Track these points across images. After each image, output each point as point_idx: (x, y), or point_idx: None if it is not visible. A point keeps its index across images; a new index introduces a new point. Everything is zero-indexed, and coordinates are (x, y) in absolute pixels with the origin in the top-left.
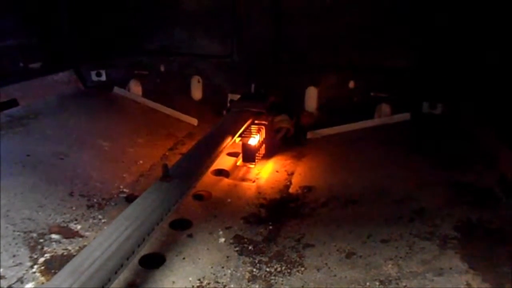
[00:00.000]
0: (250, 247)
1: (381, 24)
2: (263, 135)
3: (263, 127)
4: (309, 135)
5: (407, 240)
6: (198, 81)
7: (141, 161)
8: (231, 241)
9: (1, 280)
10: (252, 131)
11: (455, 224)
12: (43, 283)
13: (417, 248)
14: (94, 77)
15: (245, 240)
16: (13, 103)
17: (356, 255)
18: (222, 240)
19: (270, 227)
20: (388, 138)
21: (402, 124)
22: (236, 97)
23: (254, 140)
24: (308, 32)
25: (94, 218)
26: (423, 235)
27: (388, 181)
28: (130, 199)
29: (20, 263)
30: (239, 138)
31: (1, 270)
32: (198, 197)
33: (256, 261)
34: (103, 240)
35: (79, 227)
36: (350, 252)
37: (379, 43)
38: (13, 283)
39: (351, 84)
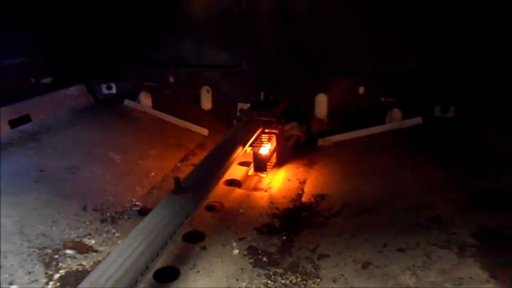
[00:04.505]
0: (264, 259)
1: (388, 27)
2: (274, 144)
3: (273, 135)
4: (320, 142)
5: (424, 249)
6: (208, 91)
7: (152, 173)
8: (245, 252)
9: None
10: (262, 140)
11: (473, 231)
12: None
13: (435, 257)
14: (105, 90)
15: (259, 251)
16: (26, 119)
17: (373, 265)
18: (236, 251)
19: (284, 238)
20: (400, 143)
21: (414, 128)
22: (246, 106)
23: (265, 150)
24: (316, 39)
25: (107, 232)
26: (440, 243)
27: (402, 188)
28: (143, 212)
29: (36, 280)
30: (250, 148)
31: (17, 287)
32: (210, 208)
33: (271, 273)
34: (118, 256)
35: (93, 241)
36: (366, 262)
37: (387, 47)
38: None
39: (361, 90)
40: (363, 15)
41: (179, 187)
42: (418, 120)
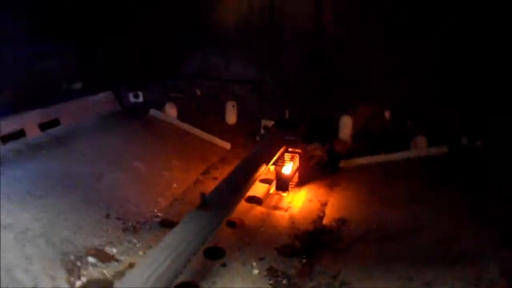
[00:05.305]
0: (284, 281)
1: (419, 54)
2: (297, 163)
3: (297, 155)
4: (342, 163)
5: (451, 286)
6: (233, 106)
7: (175, 185)
8: (264, 273)
9: None
10: (285, 159)
11: (502, 268)
12: None
13: None
14: (132, 99)
15: (279, 273)
16: (55, 123)
17: None
18: (256, 272)
19: (304, 261)
20: (424, 171)
21: (440, 157)
22: (270, 123)
23: (288, 169)
24: (346, 61)
25: (129, 242)
26: (468, 280)
27: (427, 218)
28: (164, 223)
29: (58, 286)
30: (273, 166)
31: None
32: (230, 224)
33: None
34: (143, 270)
35: (114, 250)
36: None
37: (417, 75)
38: None
39: (387, 115)
40: (394, 41)
41: (204, 203)
42: (444, 149)
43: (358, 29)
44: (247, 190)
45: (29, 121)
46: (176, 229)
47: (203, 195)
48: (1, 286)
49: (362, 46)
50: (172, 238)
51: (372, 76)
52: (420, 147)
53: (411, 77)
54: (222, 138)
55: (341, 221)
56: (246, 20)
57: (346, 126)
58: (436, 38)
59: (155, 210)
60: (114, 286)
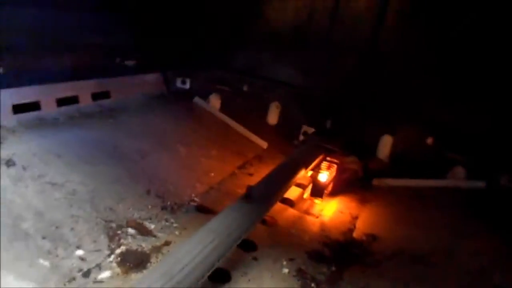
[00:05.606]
0: (312, 285)
1: (468, 85)
2: (333, 173)
3: (334, 165)
4: (375, 182)
5: None
6: (277, 107)
7: (212, 174)
8: (294, 273)
9: (82, 262)
10: (322, 167)
11: None
12: (118, 274)
13: None
14: (179, 84)
15: (308, 276)
16: (106, 94)
17: None
18: (285, 270)
19: (334, 268)
20: (459, 202)
21: (476, 191)
22: (310, 129)
23: (324, 177)
24: (395, 81)
25: (166, 220)
26: None
27: (459, 247)
28: (200, 209)
29: (99, 250)
30: (311, 172)
31: (83, 253)
32: (263, 221)
33: None
34: (191, 248)
35: (152, 226)
36: None
37: (464, 104)
38: (93, 267)
39: (430, 140)
40: (444, 67)
41: (249, 195)
42: (481, 183)
43: (414, 51)
44: (287, 189)
45: (83, 89)
46: (222, 214)
47: (249, 187)
48: (50, 240)
49: (416, 68)
50: (219, 223)
51: (421, 100)
52: (457, 178)
53: (460, 107)
54: (260, 136)
55: (372, 237)
56: (307, 26)
57: (385, 145)
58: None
59: (193, 195)
60: (164, 258)
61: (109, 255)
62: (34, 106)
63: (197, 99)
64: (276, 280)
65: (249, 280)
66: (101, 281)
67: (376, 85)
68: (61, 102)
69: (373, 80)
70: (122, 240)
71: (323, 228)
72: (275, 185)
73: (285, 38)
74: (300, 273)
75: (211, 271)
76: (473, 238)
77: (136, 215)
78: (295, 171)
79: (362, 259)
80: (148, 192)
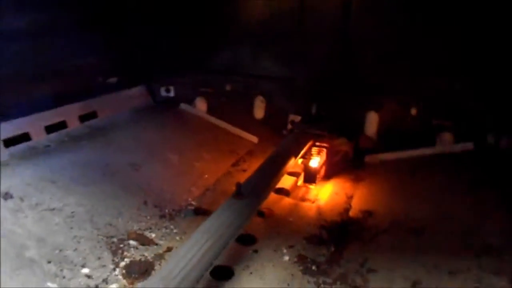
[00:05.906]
0: (313, 267)
1: (444, 49)
2: (324, 157)
3: (324, 149)
4: (367, 159)
5: (475, 274)
6: (261, 101)
7: (206, 176)
8: (295, 259)
9: (89, 280)
10: (313, 153)
11: None
12: (125, 285)
13: (486, 283)
14: (164, 93)
15: (308, 260)
16: (93, 115)
17: (422, 285)
18: (286, 258)
19: (332, 249)
20: (450, 167)
21: (465, 154)
22: (297, 118)
23: (315, 162)
24: (372, 58)
25: (166, 228)
26: (491, 270)
27: (451, 212)
28: (197, 211)
29: (104, 265)
30: (301, 159)
31: (89, 270)
32: (260, 213)
33: (320, 282)
34: (186, 251)
35: (153, 235)
36: (415, 281)
37: (443, 69)
38: (100, 283)
39: (413, 111)
40: (419, 38)
41: (239, 192)
42: (469, 145)
43: (386, 25)
44: (278, 181)
45: (70, 113)
46: (215, 215)
47: (238, 184)
48: (55, 263)
49: (390, 42)
50: (211, 223)
51: (399, 73)
52: (445, 144)
53: (438, 74)
54: (250, 132)
55: (368, 214)
56: (278, 18)
57: (372, 122)
58: (463, 35)
59: (189, 199)
60: (164, 265)
61: (114, 269)
62: (24, 137)
63: (183, 105)
64: (278, 268)
65: (251, 273)
66: None
67: (353, 64)
68: (49, 129)
69: (350, 60)
70: (125, 253)
71: (320, 212)
72: (266, 177)
73: (259, 34)
74: (300, 259)
75: (209, 270)
76: (467, 200)
77: (136, 227)
78: (284, 161)
79: (360, 236)
80: (145, 203)
